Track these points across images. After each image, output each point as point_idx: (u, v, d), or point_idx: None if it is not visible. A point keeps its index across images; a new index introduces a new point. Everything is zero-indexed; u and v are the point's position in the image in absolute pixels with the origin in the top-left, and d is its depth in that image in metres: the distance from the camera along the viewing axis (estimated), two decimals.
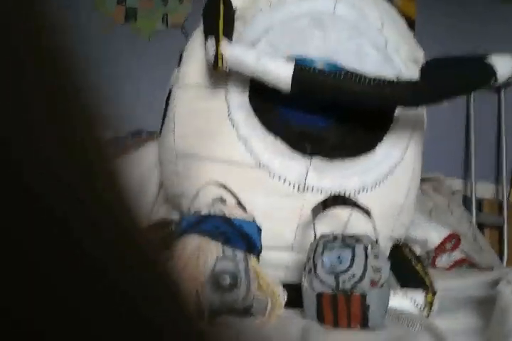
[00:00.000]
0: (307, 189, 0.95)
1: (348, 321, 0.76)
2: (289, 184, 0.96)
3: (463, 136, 2.12)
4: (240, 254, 0.77)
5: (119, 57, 1.81)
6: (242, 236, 0.79)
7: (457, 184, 2.03)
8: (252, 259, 0.79)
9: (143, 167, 1.18)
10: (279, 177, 0.96)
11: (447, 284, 1.03)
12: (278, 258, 0.98)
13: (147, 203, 1.14)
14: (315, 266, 0.80)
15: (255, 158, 0.97)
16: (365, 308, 0.75)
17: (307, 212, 0.95)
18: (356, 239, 0.80)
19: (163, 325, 0.15)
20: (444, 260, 1.45)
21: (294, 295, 0.88)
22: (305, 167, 0.96)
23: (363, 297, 0.75)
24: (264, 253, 0.96)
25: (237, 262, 0.76)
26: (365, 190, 0.97)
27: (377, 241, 0.80)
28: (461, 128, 2.12)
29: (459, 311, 0.92)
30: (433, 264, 1.34)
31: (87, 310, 0.13)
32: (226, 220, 0.80)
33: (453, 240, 1.50)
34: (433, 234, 1.43)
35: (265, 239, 0.88)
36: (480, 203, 2.04)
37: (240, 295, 0.75)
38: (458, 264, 1.47)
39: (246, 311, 0.76)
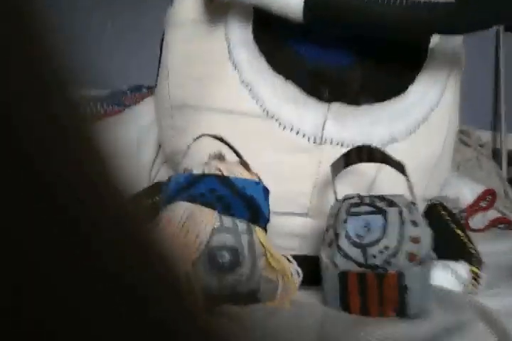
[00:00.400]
0: (325, 141, 0.77)
1: (380, 307, 0.58)
2: (303, 136, 0.77)
3: (491, 84, 1.90)
4: (241, 224, 0.59)
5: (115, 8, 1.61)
6: (245, 201, 0.61)
7: (486, 136, 1.82)
8: (258, 230, 0.61)
9: (140, 125, 1.00)
10: (291, 129, 0.77)
11: (485, 249, 0.84)
12: (290, 226, 0.80)
13: (144, 164, 0.97)
14: (337, 236, 0.62)
15: (262, 106, 0.78)
16: (402, 290, 0.58)
17: (325, 169, 0.76)
18: (388, 201, 0.62)
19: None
20: (477, 220, 1.27)
21: (312, 271, 0.70)
22: (322, 115, 0.77)
23: (400, 276, 0.57)
24: (273, 221, 0.78)
25: (238, 234, 0.59)
26: (394, 141, 0.78)
27: (414, 204, 0.62)
28: (489, 76, 1.91)
29: (502, 284, 0.74)
30: (466, 226, 1.16)
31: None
32: (224, 181, 0.61)
33: (488, 197, 1.32)
34: (465, 191, 1.25)
35: (274, 203, 0.70)
36: (510, 156, 1.84)
37: (243, 275, 0.58)
38: (493, 224, 1.29)
39: (251, 296, 0.59)
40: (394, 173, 0.77)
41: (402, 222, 0.60)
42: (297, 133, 0.77)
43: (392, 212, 0.61)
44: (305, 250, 0.82)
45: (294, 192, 0.79)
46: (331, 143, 0.77)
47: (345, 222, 0.63)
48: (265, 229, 0.64)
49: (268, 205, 0.64)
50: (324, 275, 0.62)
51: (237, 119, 0.80)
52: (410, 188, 0.63)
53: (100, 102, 1.33)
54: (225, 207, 0.59)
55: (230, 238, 0.58)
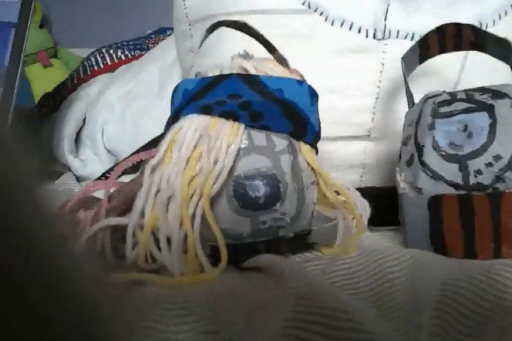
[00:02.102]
0: (389, 35, 0.56)
1: (495, 245, 0.38)
2: (359, 31, 0.56)
3: None
4: (280, 141, 0.39)
5: None
6: (284, 108, 0.40)
7: None
8: (304, 148, 0.42)
9: (162, 64, 0.83)
10: (342, 23, 0.57)
11: None
12: (348, 154, 0.60)
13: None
14: (420, 150, 0.42)
15: None
16: None
17: (390, 73, 0.56)
18: (494, 92, 0.41)
19: None
20: None
21: (385, 206, 0.51)
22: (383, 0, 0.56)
23: None
24: (324, 149, 0.59)
25: (276, 155, 0.39)
26: (483, 25, 0.56)
27: None
28: None
29: None
30: None
31: None
32: (252, 81, 0.41)
33: None
34: None
35: (324, 125, 0.51)
36: None
37: (286, 213, 0.39)
38: None
39: (299, 242, 0.40)
40: (484, 70, 0.56)
41: None
42: (350, 27, 0.57)
43: (503, 106, 0.40)
44: (370, 182, 0.62)
45: (349, 107, 0.59)
46: (397, 36, 0.56)
47: (431, 127, 0.43)
48: (315, 148, 0.44)
49: (317, 114, 0.45)
50: (404, 207, 0.43)
51: (270, 20, 0.60)
52: None
53: (122, 49, 1.15)
54: (254, 118, 0.39)
55: (265, 161, 0.38)
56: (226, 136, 0.38)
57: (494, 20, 0.56)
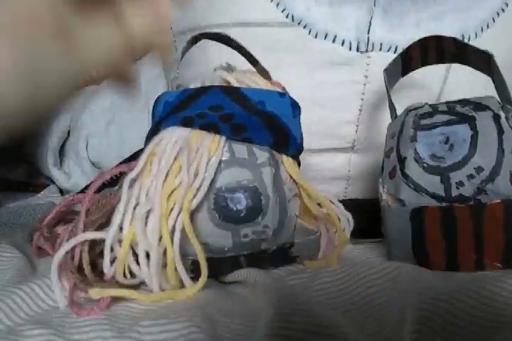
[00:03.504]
0: (372, 47, 0.56)
1: (477, 256, 0.38)
2: (343, 43, 0.57)
3: None
4: (262, 153, 0.39)
5: None
6: (265, 120, 0.40)
7: None
8: (286, 161, 0.41)
9: (147, 77, 0.82)
10: (326, 35, 0.57)
11: None
12: (332, 166, 0.61)
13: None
14: (402, 161, 0.42)
15: (285, 11, 0.58)
16: (511, 226, 0.37)
17: (374, 85, 0.56)
18: (475, 104, 0.41)
19: None
20: None
21: (367, 218, 0.51)
22: (366, 11, 0.56)
23: (509, 206, 0.37)
24: (308, 162, 0.59)
25: (257, 167, 0.38)
26: (465, 38, 0.57)
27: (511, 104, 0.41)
28: None
29: None
30: None
31: None
32: (234, 93, 0.41)
33: None
34: None
35: (309, 138, 0.51)
36: None
37: (268, 226, 0.38)
38: None
39: (282, 254, 0.40)
40: (467, 82, 0.56)
41: (500, 131, 0.40)
42: (334, 40, 0.57)
43: (484, 118, 0.40)
44: (353, 194, 0.62)
45: (333, 119, 0.59)
46: (381, 49, 0.57)
47: (413, 139, 0.43)
48: (297, 160, 0.44)
49: (299, 127, 0.44)
50: (387, 219, 0.43)
51: (253, 33, 0.60)
52: (501, 84, 0.43)
53: None
54: (235, 130, 0.38)
55: (246, 173, 0.38)
56: (207, 149, 0.38)
57: (477, 33, 0.56)
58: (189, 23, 0.67)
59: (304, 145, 0.45)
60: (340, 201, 0.56)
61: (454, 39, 0.45)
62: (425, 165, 0.41)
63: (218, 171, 0.38)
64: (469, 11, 0.57)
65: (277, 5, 0.59)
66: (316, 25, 0.57)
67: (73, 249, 0.36)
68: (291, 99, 0.43)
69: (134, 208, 0.36)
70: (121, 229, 0.35)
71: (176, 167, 0.37)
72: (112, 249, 0.36)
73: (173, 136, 0.39)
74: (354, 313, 0.33)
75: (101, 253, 0.36)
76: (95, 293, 0.34)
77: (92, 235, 0.36)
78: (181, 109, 0.41)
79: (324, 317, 0.31)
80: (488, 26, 0.57)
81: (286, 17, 0.58)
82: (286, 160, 0.41)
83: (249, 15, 0.61)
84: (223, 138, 0.39)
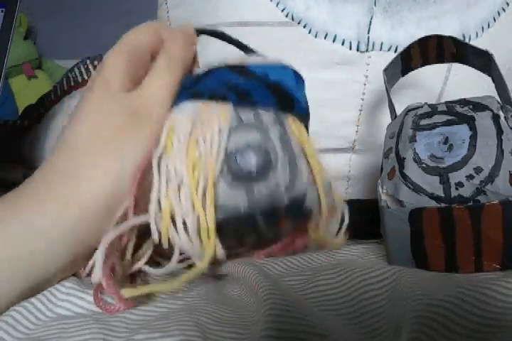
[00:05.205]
0: (372, 47, 0.57)
1: (475, 258, 0.39)
2: (343, 42, 0.57)
3: None
4: (268, 115, 0.41)
5: None
6: (269, 87, 0.42)
7: None
8: (292, 120, 0.42)
9: None
10: (326, 34, 0.57)
11: None
12: (332, 166, 0.61)
13: None
14: (401, 162, 0.42)
15: (285, 10, 0.58)
16: (510, 229, 0.38)
17: (374, 85, 0.57)
18: (475, 104, 0.41)
19: None
20: None
21: (368, 219, 0.51)
22: (367, 10, 0.56)
23: (507, 207, 0.38)
24: None
25: (264, 128, 0.40)
26: (466, 38, 0.57)
27: (511, 104, 0.42)
28: None
29: None
30: None
31: None
32: (240, 69, 0.43)
33: None
34: None
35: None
36: None
37: (279, 180, 0.39)
38: None
39: (296, 207, 0.40)
40: (467, 82, 0.56)
41: (500, 131, 0.40)
42: (334, 39, 0.57)
43: (483, 118, 0.41)
44: (355, 196, 0.63)
45: (333, 119, 0.59)
46: (381, 48, 0.57)
47: (412, 140, 0.43)
48: (304, 124, 0.45)
49: (304, 94, 0.45)
50: (385, 219, 0.43)
51: (253, 33, 0.60)
52: (501, 84, 0.43)
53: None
54: (241, 96, 0.40)
55: (254, 134, 0.40)
56: (217, 118, 0.40)
57: (477, 33, 0.56)
58: (188, 22, 0.68)
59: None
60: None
61: (453, 38, 0.46)
62: (424, 165, 0.41)
63: (229, 136, 0.39)
64: (470, 11, 0.57)
65: (277, 4, 0.59)
66: (316, 25, 0.57)
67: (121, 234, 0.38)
68: (294, 70, 0.45)
69: (167, 183, 0.38)
70: (159, 205, 0.37)
71: (193, 139, 0.39)
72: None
73: (186, 110, 0.40)
74: (350, 316, 0.33)
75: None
76: (128, 292, 0.35)
77: (142, 218, 0.38)
78: (192, 86, 0.42)
79: (320, 319, 0.31)
80: (489, 26, 0.58)
81: (286, 16, 0.59)
82: (292, 120, 0.42)
83: (249, 15, 0.61)
84: (230, 105, 0.40)
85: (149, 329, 0.31)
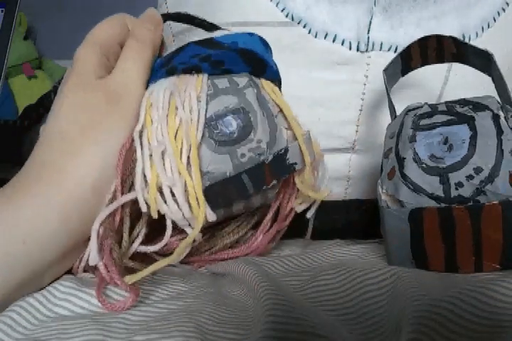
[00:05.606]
0: (372, 47, 0.57)
1: (475, 258, 0.39)
2: (342, 43, 0.57)
3: None
4: (241, 79, 0.43)
5: None
6: (240, 54, 0.44)
7: None
8: (265, 83, 0.45)
9: None
10: (326, 35, 0.57)
11: None
12: (332, 167, 0.61)
13: None
14: (400, 162, 0.42)
15: (285, 10, 0.58)
16: (510, 229, 0.38)
17: (374, 85, 0.57)
18: (475, 104, 0.42)
19: None
20: None
21: (368, 219, 0.51)
22: (367, 11, 0.56)
23: (507, 207, 0.38)
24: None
25: (240, 91, 0.42)
26: (466, 38, 0.57)
27: (511, 105, 0.42)
28: None
29: None
30: None
31: None
32: (208, 42, 0.46)
33: None
34: None
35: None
36: None
37: (261, 140, 0.42)
38: None
39: (280, 161, 0.42)
40: (468, 82, 0.56)
41: (500, 131, 0.40)
42: (334, 39, 0.57)
43: (483, 118, 0.41)
44: (355, 196, 0.63)
45: (333, 119, 0.59)
46: (381, 48, 0.57)
47: (412, 140, 0.43)
48: (277, 85, 0.47)
49: (272, 58, 0.48)
50: (385, 220, 0.43)
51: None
52: (501, 84, 0.43)
53: None
54: (215, 65, 0.43)
55: (231, 98, 0.42)
56: (193, 87, 0.41)
57: (477, 33, 0.56)
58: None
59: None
60: (342, 201, 0.56)
61: (453, 38, 0.46)
62: (424, 165, 0.41)
63: (207, 104, 0.41)
64: (470, 10, 0.57)
65: (277, 4, 0.59)
66: (316, 25, 0.57)
67: (114, 212, 0.38)
68: (260, 36, 0.48)
69: (150, 155, 0.39)
70: (144, 176, 0.38)
71: (172, 108, 0.40)
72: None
73: (162, 85, 0.42)
74: (350, 317, 0.33)
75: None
76: (130, 278, 0.36)
77: (130, 195, 0.38)
78: (165, 65, 0.45)
79: (320, 319, 0.31)
80: (489, 26, 0.58)
81: (286, 16, 0.59)
82: (266, 83, 0.45)
83: (249, 15, 0.61)
84: (205, 75, 0.43)
85: (149, 330, 0.31)
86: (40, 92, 1.00)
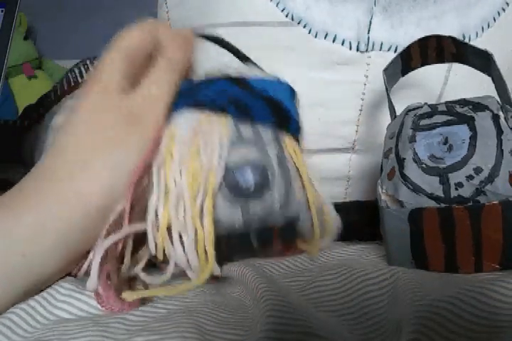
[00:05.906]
0: (372, 47, 0.57)
1: (475, 258, 0.39)
2: (343, 42, 0.57)
3: None
4: (266, 132, 0.41)
5: None
6: (267, 102, 0.42)
7: None
8: (288, 140, 0.42)
9: None
10: (326, 35, 0.57)
11: None
12: (332, 167, 0.61)
13: None
14: (400, 162, 0.42)
15: (285, 10, 0.58)
16: (510, 229, 0.38)
17: (374, 85, 0.57)
18: (475, 104, 0.42)
19: None
20: None
21: (368, 220, 0.51)
22: (367, 10, 0.56)
23: (507, 207, 0.38)
24: (309, 159, 0.59)
25: (263, 146, 0.40)
26: (466, 38, 0.57)
27: (511, 105, 0.42)
28: None
29: None
30: None
31: None
32: (238, 81, 0.43)
33: None
34: None
35: (309, 138, 0.51)
36: None
37: (275, 201, 0.39)
38: None
39: (289, 228, 0.40)
40: (468, 82, 0.56)
41: (500, 131, 0.40)
42: (334, 39, 0.57)
43: (483, 118, 0.41)
44: (355, 197, 0.63)
45: (333, 119, 0.59)
46: (381, 48, 0.57)
47: (412, 140, 0.43)
48: (299, 141, 0.45)
49: (297, 110, 0.46)
50: (385, 220, 0.43)
51: (252, 33, 0.60)
52: (501, 84, 0.43)
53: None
54: (241, 110, 0.40)
55: (253, 151, 0.40)
56: (217, 131, 0.39)
57: (477, 33, 0.56)
58: (188, 23, 0.68)
59: (303, 144, 0.46)
60: (342, 203, 0.56)
61: (453, 38, 0.46)
62: (424, 166, 0.41)
63: (229, 150, 0.39)
64: (470, 10, 0.57)
65: (277, 4, 0.59)
66: (316, 25, 0.57)
67: (117, 242, 0.37)
68: (289, 85, 0.45)
69: (165, 194, 0.37)
70: (156, 215, 0.37)
71: (193, 151, 0.38)
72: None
73: (186, 120, 0.40)
74: (350, 317, 0.33)
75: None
76: (128, 295, 0.35)
77: (137, 227, 0.37)
78: (191, 94, 0.42)
79: (320, 320, 0.31)
80: (489, 26, 0.58)
81: (286, 16, 0.59)
82: (288, 140, 0.42)
83: (249, 15, 0.61)
84: (230, 119, 0.40)
85: (149, 331, 0.31)
86: (40, 92, 1.00)
